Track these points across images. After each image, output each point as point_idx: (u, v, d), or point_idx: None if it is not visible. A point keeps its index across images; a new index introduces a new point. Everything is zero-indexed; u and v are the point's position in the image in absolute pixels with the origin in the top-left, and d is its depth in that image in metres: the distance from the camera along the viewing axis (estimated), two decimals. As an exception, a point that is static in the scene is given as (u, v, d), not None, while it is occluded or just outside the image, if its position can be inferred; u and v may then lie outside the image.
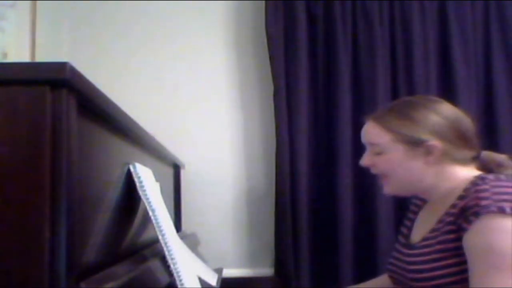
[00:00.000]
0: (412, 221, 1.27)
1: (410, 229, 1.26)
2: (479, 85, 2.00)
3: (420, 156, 1.12)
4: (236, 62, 2.08)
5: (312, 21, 1.99)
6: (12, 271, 0.58)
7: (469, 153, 1.14)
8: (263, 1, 1.99)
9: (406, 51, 1.97)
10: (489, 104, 1.98)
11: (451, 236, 1.03)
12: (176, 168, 1.78)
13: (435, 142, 1.10)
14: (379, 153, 1.17)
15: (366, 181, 1.91)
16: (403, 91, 1.95)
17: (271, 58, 1.96)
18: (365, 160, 1.22)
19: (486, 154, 1.17)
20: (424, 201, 1.28)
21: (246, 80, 2.08)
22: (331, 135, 1.95)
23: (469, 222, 0.98)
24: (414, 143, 1.12)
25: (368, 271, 1.75)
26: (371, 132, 1.19)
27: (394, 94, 1.96)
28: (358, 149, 1.93)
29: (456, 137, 1.12)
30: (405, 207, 1.86)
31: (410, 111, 1.15)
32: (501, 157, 1.16)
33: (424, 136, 1.11)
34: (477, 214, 0.97)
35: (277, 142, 1.94)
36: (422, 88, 1.92)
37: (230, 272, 1.86)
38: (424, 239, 1.12)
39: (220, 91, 2.07)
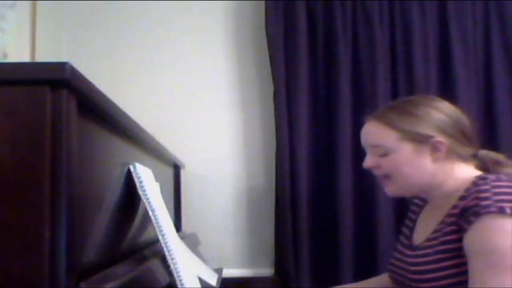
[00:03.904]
0: (414, 221, 1.27)
1: (411, 229, 1.25)
2: (479, 85, 1.99)
3: (427, 154, 1.11)
4: (236, 62, 2.08)
5: (312, 21, 1.99)
6: (12, 271, 0.58)
7: (469, 150, 1.14)
8: (263, 1, 1.99)
9: (406, 51, 1.97)
10: (489, 104, 1.98)
11: (453, 237, 1.03)
12: (176, 168, 1.78)
13: (441, 138, 1.10)
14: (384, 154, 1.14)
15: (366, 181, 1.91)
16: (403, 91, 1.95)
17: (271, 58, 1.96)
18: (369, 162, 1.18)
19: (484, 152, 1.16)
20: (424, 201, 1.27)
21: (246, 80, 2.08)
22: (331, 135, 1.95)
23: (469, 222, 0.98)
24: (421, 140, 1.11)
25: (368, 271, 1.75)
26: (375, 132, 1.16)
27: (394, 94, 1.95)
28: (358, 149, 1.92)
29: (459, 133, 1.12)
30: (405, 207, 1.87)
31: (412, 109, 1.14)
32: (498, 156, 1.16)
33: (430, 132, 1.11)
34: (477, 215, 0.97)
35: (277, 142, 1.94)
36: (422, 88, 1.92)
37: (230, 272, 1.86)
38: (427, 240, 1.11)
39: (220, 91, 2.07)
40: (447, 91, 1.90)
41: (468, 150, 1.13)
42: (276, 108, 1.95)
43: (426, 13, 1.99)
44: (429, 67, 1.96)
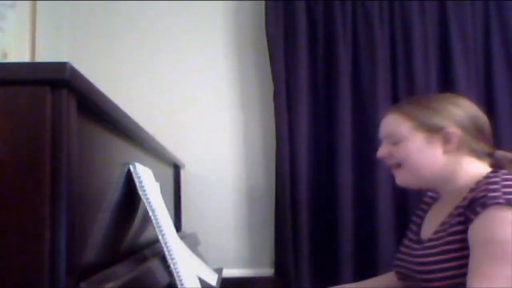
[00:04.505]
0: (422, 218, 1.28)
1: (419, 225, 1.26)
2: (479, 85, 1.99)
3: (439, 145, 1.13)
4: (236, 62, 2.08)
5: (312, 21, 1.98)
6: (12, 271, 0.58)
7: (485, 147, 1.15)
8: (263, 1, 1.99)
9: (406, 51, 1.97)
10: (489, 104, 1.97)
11: (459, 228, 1.03)
12: (176, 168, 1.78)
13: (453, 129, 1.11)
14: (396, 143, 1.17)
15: (366, 181, 1.91)
16: (403, 91, 1.95)
17: (271, 58, 1.96)
18: (382, 151, 1.22)
19: (501, 153, 1.17)
20: (434, 199, 1.28)
21: (246, 80, 2.08)
22: (331, 135, 1.95)
23: (476, 213, 0.98)
24: (433, 130, 1.13)
25: (368, 271, 1.75)
26: (391, 121, 1.20)
27: (394, 94, 1.96)
28: (358, 149, 1.94)
29: (474, 128, 1.14)
30: (405, 207, 1.88)
31: (431, 102, 1.17)
32: None
33: (444, 123, 1.12)
34: (484, 206, 0.97)
35: (277, 142, 1.94)
36: (422, 88, 1.92)
37: (230, 272, 1.86)
38: (434, 233, 1.12)
39: (220, 91, 2.07)
40: (447, 91, 1.89)
41: (482, 147, 1.14)
42: (276, 108, 1.95)
43: (426, 13, 1.99)
44: (429, 67, 1.96)
